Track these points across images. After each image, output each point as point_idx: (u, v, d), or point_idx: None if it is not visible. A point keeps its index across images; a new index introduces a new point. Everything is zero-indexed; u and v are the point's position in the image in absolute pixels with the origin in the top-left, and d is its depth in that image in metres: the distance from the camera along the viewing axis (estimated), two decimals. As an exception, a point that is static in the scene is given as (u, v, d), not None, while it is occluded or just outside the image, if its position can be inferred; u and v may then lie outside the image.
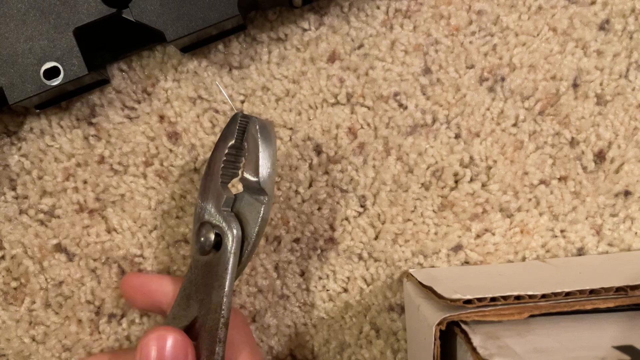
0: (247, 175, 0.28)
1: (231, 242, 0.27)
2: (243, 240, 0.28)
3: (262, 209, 0.28)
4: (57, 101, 0.36)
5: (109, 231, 0.38)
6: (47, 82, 0.32)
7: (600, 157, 0.38)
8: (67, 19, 0.32)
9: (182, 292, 0.29)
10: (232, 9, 0.32)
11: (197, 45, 0.36)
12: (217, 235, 0.28)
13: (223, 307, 0.27)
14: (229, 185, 0.30)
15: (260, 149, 0.28)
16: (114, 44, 0.36)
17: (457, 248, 0.38)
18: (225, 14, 0.32)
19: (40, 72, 0.32)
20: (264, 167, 0.28)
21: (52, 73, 0.32)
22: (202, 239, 0.28)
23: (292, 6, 0.35)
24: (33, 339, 0.37)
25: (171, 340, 0.26)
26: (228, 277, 0.27)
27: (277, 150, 0.37)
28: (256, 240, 0.28)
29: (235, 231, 0.27)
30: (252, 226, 0.28)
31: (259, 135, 0.28)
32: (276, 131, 0.38)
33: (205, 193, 0.29)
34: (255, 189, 0.28)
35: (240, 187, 0.30)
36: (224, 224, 0.28)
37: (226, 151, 0.29)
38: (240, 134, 0.29)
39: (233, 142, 0.29)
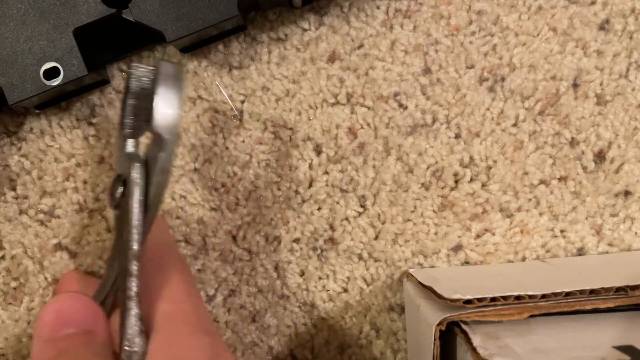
0: (148, 122, 0.26)
1: (131, 186, 0.26)
2: (148, 184, 0.26)
3: (160, 155, 0.26)
4: (57, 101, 0.36)
5: (109, 231, 0.38)
6: (47, 83, 0.32)
7: (600, 157, 0.38)
8: (67, 19, 0.32)
9: (108, 260, 0.28)
10: (232, 9, 0.32)
11: (197, 45, 0.36)
12: (123, 186, 0.27)
13: (131, 240, 0.25)
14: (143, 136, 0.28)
15: (157, 92, 0.26)
16: (114, 44, 0.36)
17: (457, 248, 0.38)
18: (225, 15, 0.32)
19: (40, 72, 0.32)
20: (159, 109, 0.26)
21: (51, 73, 0.32)
22: (110, 191, 0.27)
23: (292, 6, 0.35)
24: (31, 338, 0.37)
25: (70, 301, 0.26)
26: (133, 211, 0.26)
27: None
28: (161, 181, 0.26)
29: (133, 174, 0.26)
30: (154, 170, 0.26)
31: (157, 79, 0.26)
32: (276, 131, 0.38)
33: (118, 149, 0.28)
34: (156, 135, 0.26)
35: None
36: (126, 173, 0.27)
37: (130, 102, 0.27)
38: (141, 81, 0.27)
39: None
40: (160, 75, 0.26)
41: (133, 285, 0.25)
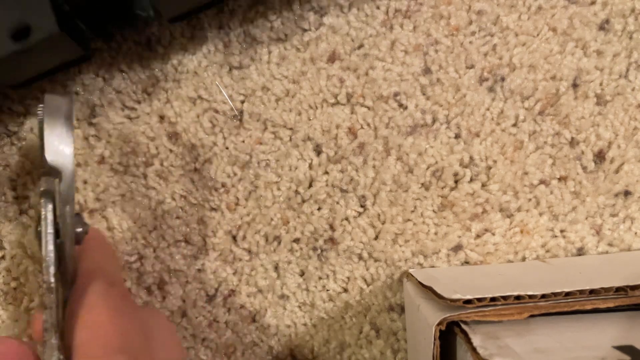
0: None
1: (41, 223, 0.26)
2: (56, 217, 0.26)
3: (58, 186, 0.26)
4: (35, 80, 0.32)
5: (109, 230, 0.38)
6: (15, 44, 0.28)
7: (600, 157, 0.38)
8: None
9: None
10: None
11: (189, 14, 0.33)
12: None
13: (45, 273, 0.25)
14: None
15: (46, 128, 0.26)
16: (93, 11, 0.32)
17: (457, 248, 0.38)
18: None
19: (5, 31, 0.29)
20: (48, 146, 0.26)
21: (21, 34, 0.28)
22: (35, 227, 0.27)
23: None
24: (31, 337, 0.37)
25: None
26: (45, 247, 0.25)
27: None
28: (64, 214, 0.27)
29: (42, 212, 0.26)
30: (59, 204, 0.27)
31: (45, 115, 0.26)
32: (276, 131, 0.38)
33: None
34: (53, 169, 0.27)
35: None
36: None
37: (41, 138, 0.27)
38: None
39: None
40: (47, 109, 0.26)
41: (49, 317, 0.25)
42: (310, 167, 0.38)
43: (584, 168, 0.38)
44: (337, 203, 0.38)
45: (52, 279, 0.25)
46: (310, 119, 0.37)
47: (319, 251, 0.38)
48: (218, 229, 0.38)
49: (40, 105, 0.27)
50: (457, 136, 0.38)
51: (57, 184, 0.26)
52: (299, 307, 0.38)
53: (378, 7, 0.37)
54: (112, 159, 0.37)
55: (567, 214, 0.38)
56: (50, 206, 0.26)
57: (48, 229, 0.25)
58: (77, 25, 0.32)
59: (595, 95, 0.37)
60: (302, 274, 0.38)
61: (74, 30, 0.31)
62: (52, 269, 0.25)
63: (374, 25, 0.37)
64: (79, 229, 0.27)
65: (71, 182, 0.26)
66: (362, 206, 0.38)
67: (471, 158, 0.38)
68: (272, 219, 0.38)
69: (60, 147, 0.26)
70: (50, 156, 0.26)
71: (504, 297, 0.29)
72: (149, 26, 0.37)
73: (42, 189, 0.26)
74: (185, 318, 0.38)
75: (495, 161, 0.38)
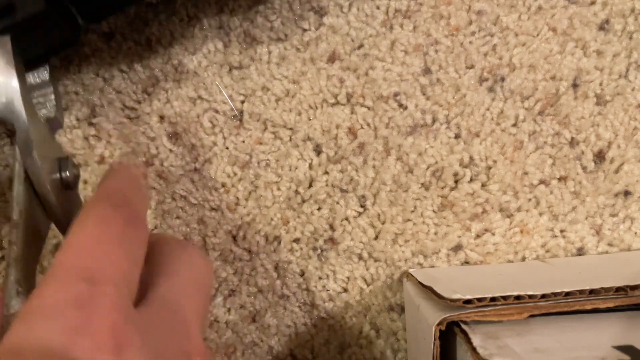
0: None
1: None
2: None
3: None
4: (28, 65, 0.31)
5: (109, 231, 0.38)
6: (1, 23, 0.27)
7: (600, 157, 0.38)
8: None
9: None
10: None
11: (108, 10, 0.31)
12: None
13: (12, 210, 0.26)
14: None
15: None
16: None
17: (457, 248, 0.38)
18: None
19: None
20: None
21: (7, 12, 0.27)
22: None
23: None
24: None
25: None
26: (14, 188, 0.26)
27: (275, 150, 0.37)
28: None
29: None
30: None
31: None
32: (276, 131, 0.38)
33: None
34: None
35: None
36: None
37: None
38: None
39: None
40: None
41: (12, 253, 0.25)
42: (310, 167, 0.38)
43: (584, 168, 0.38)
44: (337, 203, 0.38)
45: (15, 216, 0.25)
46: (310, 119, 0.37)
47: (319, 251, 0.38)
48: (218, 229, 0.38)
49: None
50: (457, 136, 0.38)
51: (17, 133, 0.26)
52: (299, 307, 0.39)
53: (378, 7, 0.37)
54: (112, 159, 0.37)
55: (567, 214, 0.38)
56: (17, 152, 0.26)
57: (16, 170, 0.26)
58: (64, 6, 0.30)
59: (595, 95, 0.37)
60: (302, 274, 0.38)
61: (59, 9, 0.29)
62: (17, 207, 0.25)
63: (374, 25, 0.37)
64: (65, 173, 0.27)
65: (25, 131, 0.26)
66: (362, 206, 0.38)
67: (471, 158, 0.38)
68: (272, 219, 0.38)
69: (3, 92, 0.26)
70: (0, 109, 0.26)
71: (504, 297, 0.29)
72: (149, 26, 0.37)
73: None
74: (185, 318, 0.38)
75: (495, 161, 0.38)
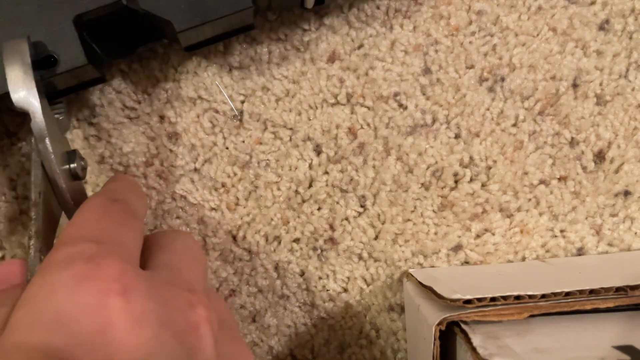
0: None
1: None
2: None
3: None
4: (52, 97, 0.34)
5: (109, 231, 0.38)
6: (42, 73, 0.30)
7: (600, 157, 0.38)
8: (68, 5, 0.30)
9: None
10: (245, 2, 0.31)
11: (203, 43, 0.34)
12: None
13: (32, 192, 0.28)
14: None
15: (6, 74, 0.28)
16: (114, 39, 0.35)
17: (457, 248, 0.38)
18: (239, 6, 0.31)
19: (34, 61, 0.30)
20: (12, 87, 0.28)
21: (48, 63, 0.30)
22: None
23: (303, 7, 0.35)
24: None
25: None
26: (33, 173, 0.29)
27: (276, 150, 0.37)
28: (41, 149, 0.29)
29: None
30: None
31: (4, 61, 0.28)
32: (276, 131, 0.38)
33: None
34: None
35: None
36: None
37: None
38: None
39: None
40: (5, 53, 0.28)
41: (33, 227, 0.28)
42: (310, 167, 0.38)
43: (584, 168, 0.38)
44: (337, 203, 0.38)
45: (34, 196, 0.28)
46: (310, 119, 0.37)
47: (319, 251, 0.38)
48: (218, 229, 0.38)
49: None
50: (457, 136, 0.38)
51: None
52: (299, 307, 0.39)
53: (378, 7, 0.37)
54: (112, 159, 0.37)
55: (567, 214, 0.38)
56: (33, 141, 0.28)
57: (33, 157, 0.29)
58: (98, 53, 0.33)
59: (595, 95, 0.37)
60: (302, 274, 0.38)
61: (95, 58, 0.33)
62: (34, 188, 0.28)
63: (374, 26, 0.37)
64: (73, 164, 0.29)
65: (40, 119, 0.28)
66: (362, 206, 0.38)
67: (471, 158, 0.38)
68: (272, 219, 0.38)
69: (23, 86, 0.28)
70: (16, 96, 0.28)
71: (504, 297, 0.29)
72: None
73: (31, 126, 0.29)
74: (185, 318, 0.38)
75: (495, 161, 0.38)
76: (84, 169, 0.30)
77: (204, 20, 0.31)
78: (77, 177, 0.29)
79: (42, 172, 0.29)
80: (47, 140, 0.28)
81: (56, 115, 0.33)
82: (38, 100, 0.28)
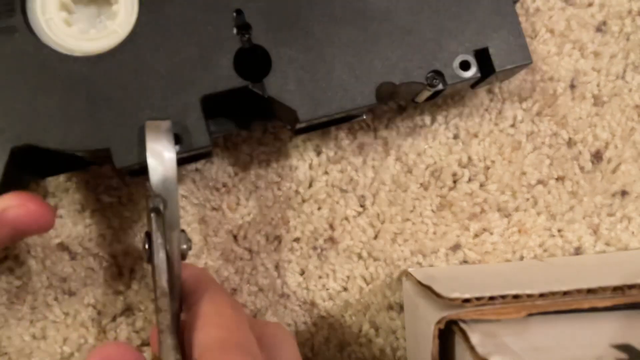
0: None
1: (152, 235, 0.27)
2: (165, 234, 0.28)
3: (164, 211, 0.27)
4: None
5: (110, 228, 0.38)
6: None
7: (597, 157, 0.38)
8: (195, 87, 0.30)
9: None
10: (370, 98, 0.31)
11: (312, 128, 0.34)
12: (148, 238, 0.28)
13: (157, 279, 0.26)
14: None
15: (147, 156, 0.27)
16: (226, 115, 0.34)
17: (456, 247, 0.38)
18: (363, 102, 0.31)
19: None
20: (152, 172, 0.27)
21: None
22: (143, 247, 0.28)
23: (414, 102, 0.35)
24: (33, 336, 0.38)
25: (115, 347, 0.26)
26: (155, 254, 0.27)
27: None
28: (171, 236, 0.28)
29: (152, 225, 0.27)
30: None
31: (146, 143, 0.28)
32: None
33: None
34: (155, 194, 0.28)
35: None
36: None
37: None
38: None
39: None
40: (148, 135, 0.27)
41: (164, 319, 0.26)
42: (310, 167, 0.38)
43: (582, 168, 0.38)
44: (337, 203, 0.38)
45: (165, 284, 0.26)
46: (310, 120, 0.38)
47: (319, 250, 0.38)
48: (219, 228, 0.38)
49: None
50: (455, 137, 0.38)
51: (163, 209, 0.27)
52: (299, 305, 0.39)
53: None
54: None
55: (565, 213, 0.38)
56: (160, 220, 0.26)
57: (158, 240, 0.26)
58: (210, 129, 0.33)
59: (593, 96, 0.38)
60: (302, 273, 0.39)
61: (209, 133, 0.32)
62: (164, 275, 0.26)
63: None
64: (184, 246, 0.28)
65: (176, 207, 0.27)
66: (361, 206, 0.38)
67: (469, 158, 0.38)
68: (272, 219, 0.38)
69: (164, 173, 0.27)
70: (155, 182, 0.27)
71: (503, 296, 0.29)
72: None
73: (150, 206, 0.26)
74: (186, 317, 0.39)
75: (493, 161, 0.38)
76: (189, 249, 0.29)
77: (327, 113, 0.31)
78: (183, 258, 0.28)
79: (165, 254, 0.27)
80: (178, 230, 0.27)
81: None
82: (177, 188, 0.27)
